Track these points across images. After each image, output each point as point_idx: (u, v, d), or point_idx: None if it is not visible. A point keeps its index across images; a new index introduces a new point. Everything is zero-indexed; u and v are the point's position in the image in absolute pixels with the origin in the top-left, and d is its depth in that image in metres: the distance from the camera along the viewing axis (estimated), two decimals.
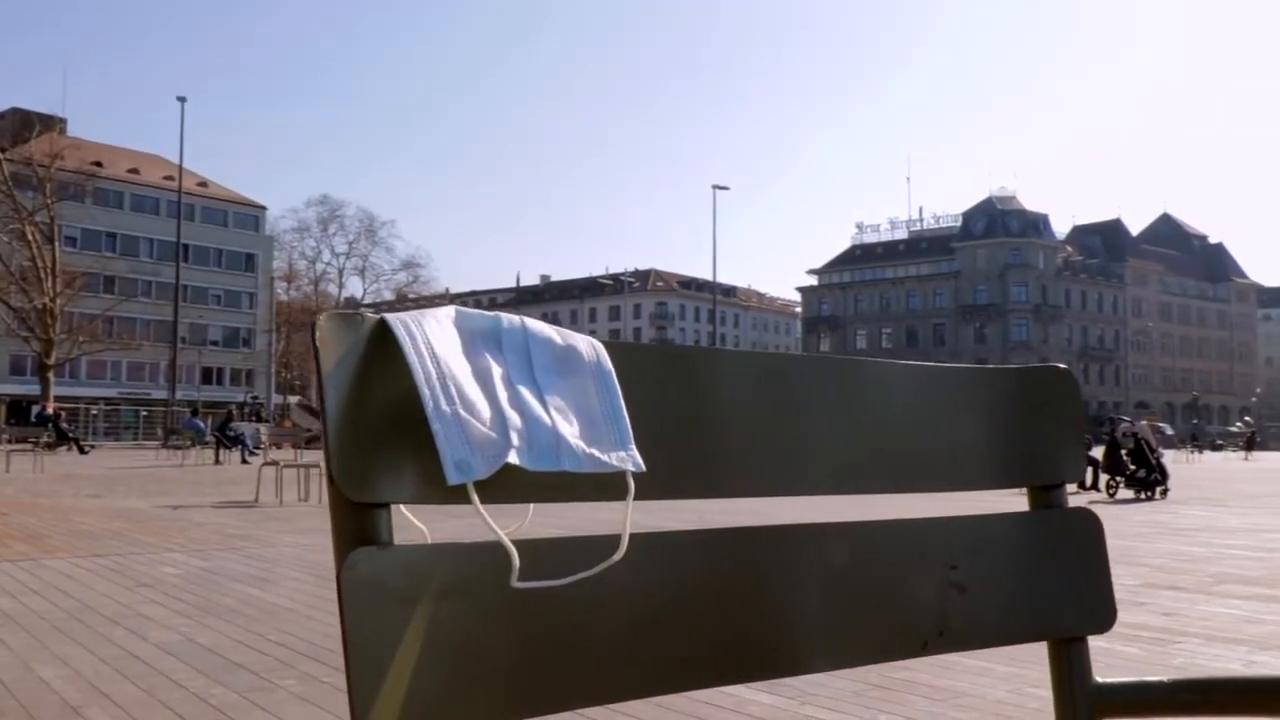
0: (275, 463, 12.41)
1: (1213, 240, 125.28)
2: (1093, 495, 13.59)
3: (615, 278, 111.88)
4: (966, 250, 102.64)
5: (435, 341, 0.54)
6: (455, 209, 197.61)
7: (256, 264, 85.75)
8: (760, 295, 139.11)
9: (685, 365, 0.64)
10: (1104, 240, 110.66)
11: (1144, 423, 16.45)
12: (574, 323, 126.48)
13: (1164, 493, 14.50)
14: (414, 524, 0.58)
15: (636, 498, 0.56)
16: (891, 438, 0.73)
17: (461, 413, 0.52)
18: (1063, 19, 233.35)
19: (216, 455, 24.72)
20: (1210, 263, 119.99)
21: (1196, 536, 9.39)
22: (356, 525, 0.51)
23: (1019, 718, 3.34)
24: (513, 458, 0.52)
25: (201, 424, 29.92)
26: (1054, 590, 0.76)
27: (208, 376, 77.38)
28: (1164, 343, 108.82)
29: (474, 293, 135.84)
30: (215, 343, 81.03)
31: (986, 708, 3.43)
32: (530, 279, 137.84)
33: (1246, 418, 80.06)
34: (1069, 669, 0.76)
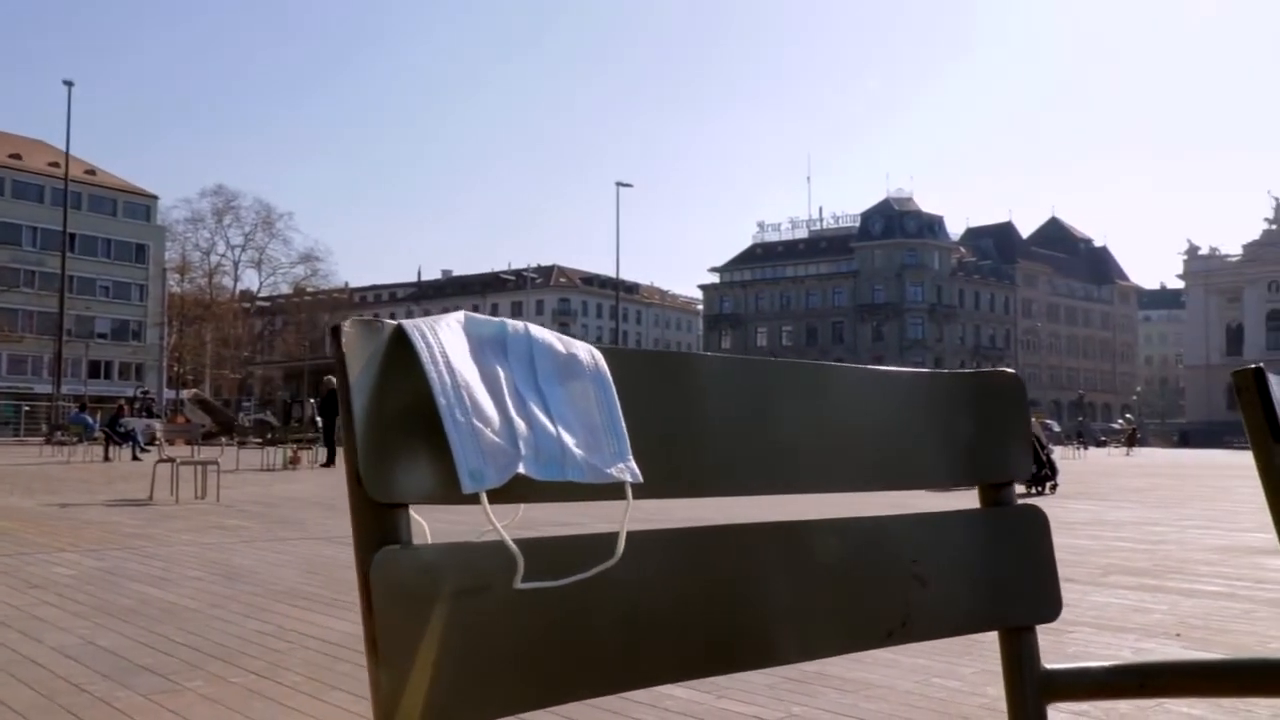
0: (171, 460, 12.06)
1: (1098, 244, 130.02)
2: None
3: (518, 273, 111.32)
4: (865, 250, 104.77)
5: (449, 349, 0.55)
6: (356, 202, 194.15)
7: (147, 255, 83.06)
8: (662, 292, 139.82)
9: (672, 370, 0.66)
10: (996, 242, 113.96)
11: (1034, 420, 17.01)
12: None
13: (1053, 488, 15.01)
14: (416, 521, 0.59)
15: (618, 499, 0.59)
16: (857, 439, 0.77)
17: (475, 422, 0.53)
18: (958, 26, 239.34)
19: (106, 452, 23.91)
20: (1095, 265, 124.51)
21: (1085, 530, 9.75)
22: (380, 525, 0.52)
23: (926, 706, 3.45)
24: (521, 468, 0.54)
25: (90, 419, 28.87)
26: (1005, 582, 0.81)
27: (95, 370, 74.69)
28: (1051, 342, 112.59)
29: (374, 287, 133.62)
30: (103, 335, 78.28)
31: (895, 698, 3.53)
32: (432, 274, 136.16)
33: (1128, 415, 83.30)
34: (1019, 656, 0.81)
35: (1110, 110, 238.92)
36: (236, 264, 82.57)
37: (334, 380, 11.58)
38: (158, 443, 15.17)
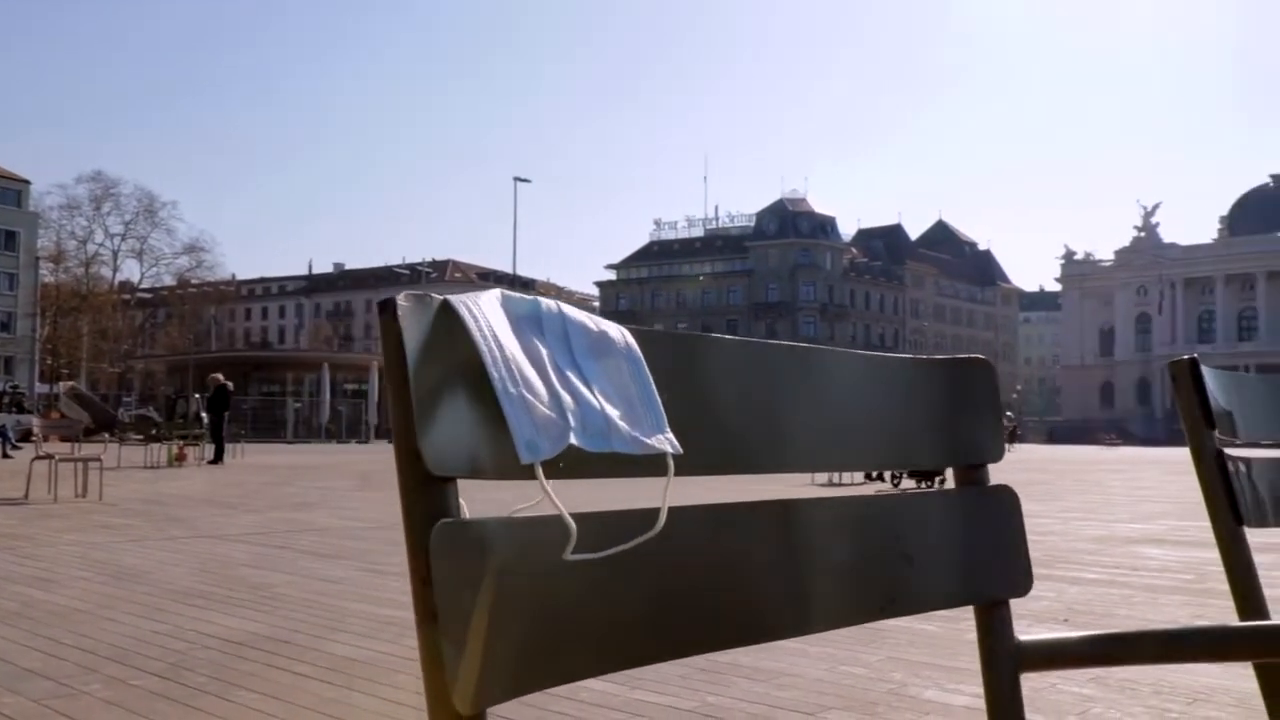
0: (49, 456, 11.57)
1: (982, 247, 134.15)
2: (879, 485, 14.35)
3: (412, 268, 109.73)
4: (759, 250, 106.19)
5: (495, 324, 0.56)
6: (244, 192, 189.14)
7: (18, 243, 79.38)
8: (559, 289, 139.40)
9: (690, 351, 0.68)
10: (886, 243, 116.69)
11: None
12: (369, 312, 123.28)
13: (941, 482, 15.45)
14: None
15: (658, 475, 0.60)
16: (851, 422, 0.79)
17: (526, 394, 0.54)
18: (850, 29, 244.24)
19: None
20: (979, 268, 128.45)
21: None
22: (435, 498, 0.52)
23: (835, 693, 3.53)
24: (572, 439, 0.55)
25: None
26: (981, 559, 0.85)
27: None
28: (938, 341, 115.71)
29: (263, 279, 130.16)
30: None
31: (806, 686, 3.61)
32: (323, 267, 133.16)
33: (1009, 413, 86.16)
34: (994, 629, 0.84)
35: (995, 117, 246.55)
36: (116, 254, 79.46)
37: (221, 376, 11.33)
38: (34, 439, 14.52)
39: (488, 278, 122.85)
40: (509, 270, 66.86)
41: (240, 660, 3.88)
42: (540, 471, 0.53)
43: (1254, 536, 1.13)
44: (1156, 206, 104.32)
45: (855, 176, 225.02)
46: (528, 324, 0.58)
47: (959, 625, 4.65)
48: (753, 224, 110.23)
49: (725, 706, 3.34)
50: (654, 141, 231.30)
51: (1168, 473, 23.62)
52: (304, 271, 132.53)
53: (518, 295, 0.59)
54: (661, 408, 0.60)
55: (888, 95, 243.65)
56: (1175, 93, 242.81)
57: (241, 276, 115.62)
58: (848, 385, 0.79)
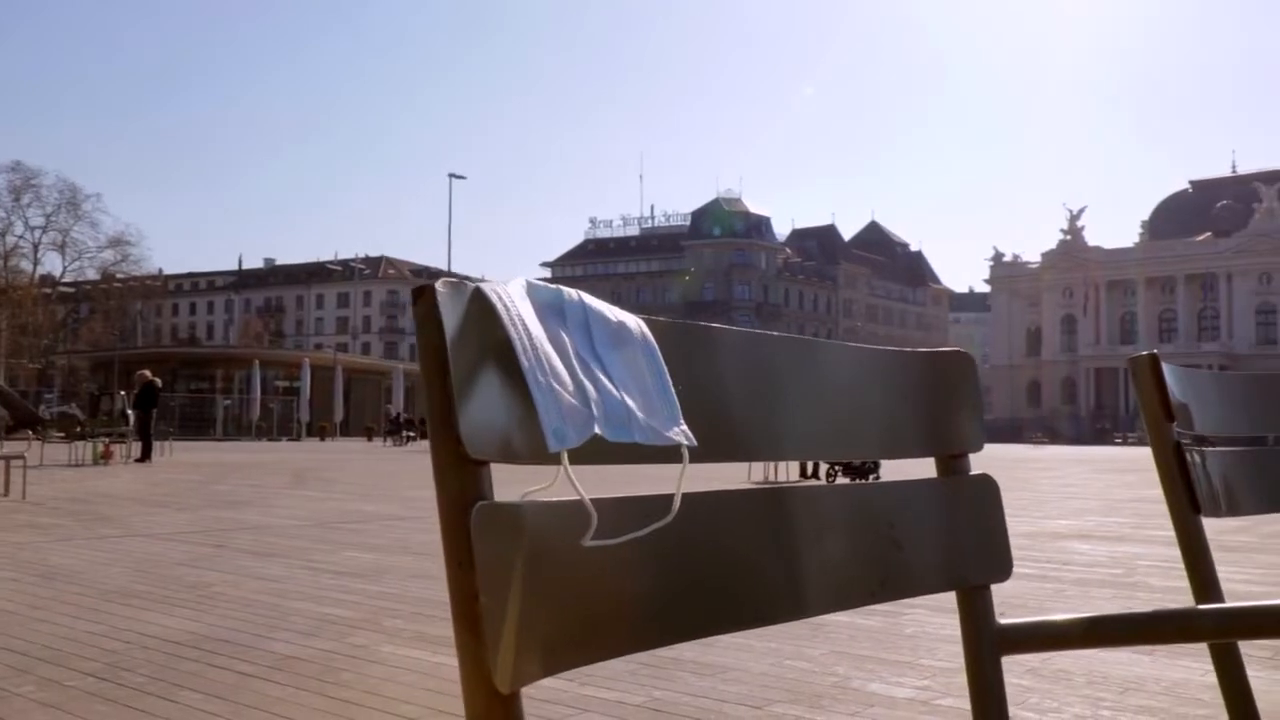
0: None
1: (913, 248, 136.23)
2: (813, 482, 14.52)
3: (345, 264, 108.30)
4: (695, 249, 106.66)
5: (523, 312, 0.57)
6: (171, 185, 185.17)
7: None
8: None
9: (700, 341, 0.70)
10: (820, 244, 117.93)
11: None
12: (300, 308, 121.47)
13: (875, 478, 15.69)
14: None
15: (672, 462, 0.62)
16: (843, 412, 0.81)
17: (553, 384, 0.55)
18: (788, 33, 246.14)
19: None
20: (911, 269, 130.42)
21: None
22: (473, 481, 0.53)
23: (780, 686, 3.57)
24: (596, 429, 0.56)
25: None
26: (964, 545, 0.88)
27: None
28: (870, 341, 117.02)
29: (191, 274, 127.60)
30: None
31: (751, 680, 3.65)
32: (253, 262, 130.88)
33: None
34: (976, 613, 0.87)
35: (927, 121, 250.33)
36: (37, 246, 77.17)
37: (148, 373, 11.09)
38: None
39: (421, 274, 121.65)
40: (444, 267, 66.36)
41: (180, 660, 3.82)
42: (565, 458, 0.55)
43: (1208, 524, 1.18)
44: (1082, 210, 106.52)
45: (790, 177, 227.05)
46: (551, 312, 0.59)
47: (899, 620, 4.73)
48: (688, 223, 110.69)
49: (673, 701, 3.37)
50: (590, 139, 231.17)
51: (1094, 471, 24.21)
52: (233, 267, 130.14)
53: (541, 284, 0.61)
54: (676, 400, 0.62)
55: (823, 97, 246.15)
56: (1101, 100, 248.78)
57: (169, 271, 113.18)
58: (841, 377, 0.82)
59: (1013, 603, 5.46)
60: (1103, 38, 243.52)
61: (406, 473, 19.16)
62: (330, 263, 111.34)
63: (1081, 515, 11.39)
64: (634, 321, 0.63)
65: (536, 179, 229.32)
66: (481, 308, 0.55)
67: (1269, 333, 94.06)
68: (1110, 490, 16.37)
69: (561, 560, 0.56)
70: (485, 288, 0.57)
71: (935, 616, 4.81)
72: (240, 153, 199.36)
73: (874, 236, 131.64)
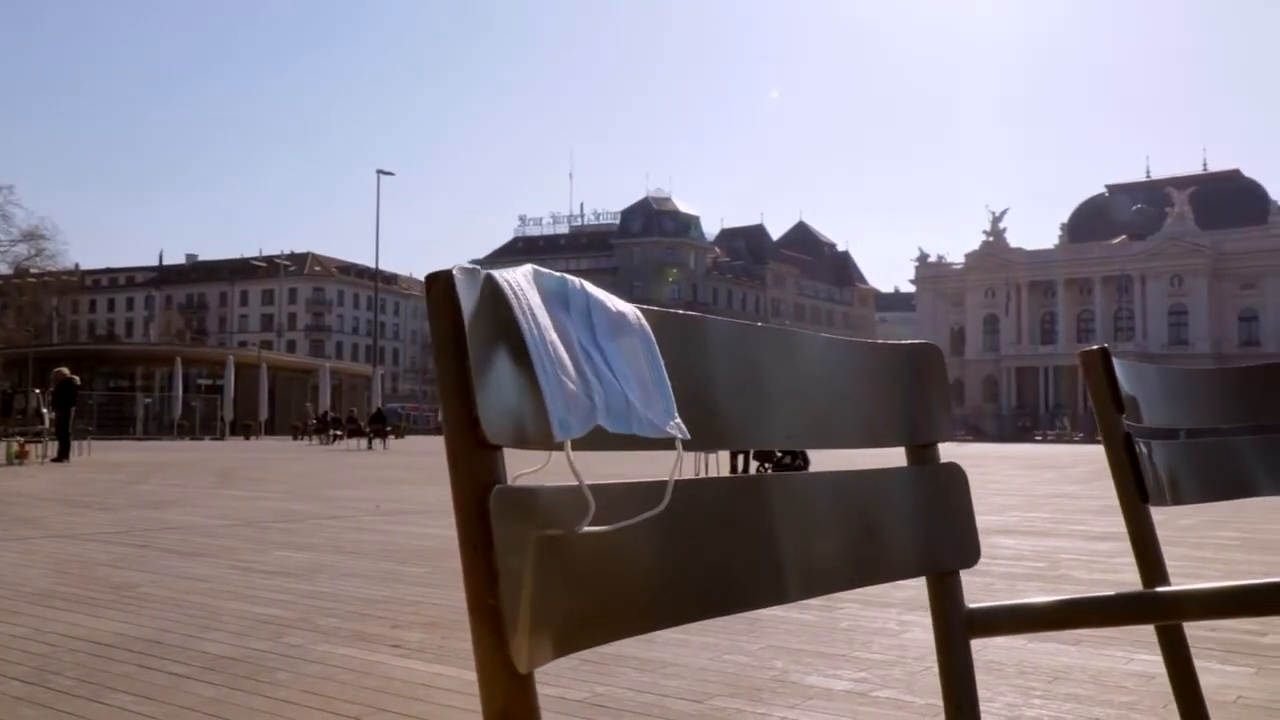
0: None
1: (840, 249, 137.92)
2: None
3: (270, 260, 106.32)
4: (624, 247, 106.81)
5: (531, 301, 0.58)
6: (88, 178, 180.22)
7: None
8: (422, 284, 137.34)
9: (689, 332, 0.71)
10: (748, 244, 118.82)
11: None
12: (223, 305, 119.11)
13: (803, 465, 15.84)
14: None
15: (665, 451, 0.63)
16: (819, 402, 0.83)
17: (559, 374, 0.56)
18: (716, 35, 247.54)
19: None
20: (838, 269, 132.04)
21: None
22: (489, 466, 0.54)
23: (720, 680, 3.60)
24: (598, 419, 0.57)
25: None
26: (934, 532, 0.90)
27: None
28: None
29: (110, 270, 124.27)
30: None
31: (691, 674, 3.67)
32: (175, 258, 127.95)
33: None
34: (946, 597, 0.90)
35: (854, 122, 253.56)
36: None
37: (66, 370, 10.83)
38: None
39: (349, 271, 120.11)
40: (371, 264, 65.49)
41: (110, 662, 3.73)
42: (568, 447, 0.56)
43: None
44: (1004, 213, 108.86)
45: (719, 177, 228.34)
46: (556, 301, 0.60)
47: (833, 614, 4.79)
48: (618, 221, 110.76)
49: (615, 696, 3.38)
50: (520, 137, 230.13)
51: (1016, 467, 24.73)
52: (154, 262, 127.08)
53: (547, 271, 0.61)
54: (671, 392, 0.63)
55: (752, 97, 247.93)
56: (1023, 104, 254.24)
57: (86, 267, 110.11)
58: (820, 369, 0.83)
59: None
60: (1026, 42, 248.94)
61: (335, 472, 18.90)
62: (255, 259, 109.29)
63: (1005, 511, 11.65)
64: (632, 311, 0.64)
65: (466, 176, 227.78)
66: (493, 294, 0.56)
67: (1180, 333, 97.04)
68: (1032, 487, 16.75)
69: (573, 544, 0.57)
70: (496, 275, 0.57)
71: (868, 610, 4.89)
72: (161, 147, 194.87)
73: (802, 237, 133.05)
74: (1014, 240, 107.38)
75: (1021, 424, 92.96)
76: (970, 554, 0.94)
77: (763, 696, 3.41)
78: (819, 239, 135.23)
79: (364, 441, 36.09)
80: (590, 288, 0.63)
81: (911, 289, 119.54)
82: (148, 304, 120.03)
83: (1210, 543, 8.10)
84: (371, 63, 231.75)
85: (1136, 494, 1.16)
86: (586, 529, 0.57)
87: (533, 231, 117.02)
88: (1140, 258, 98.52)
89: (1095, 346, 1.17)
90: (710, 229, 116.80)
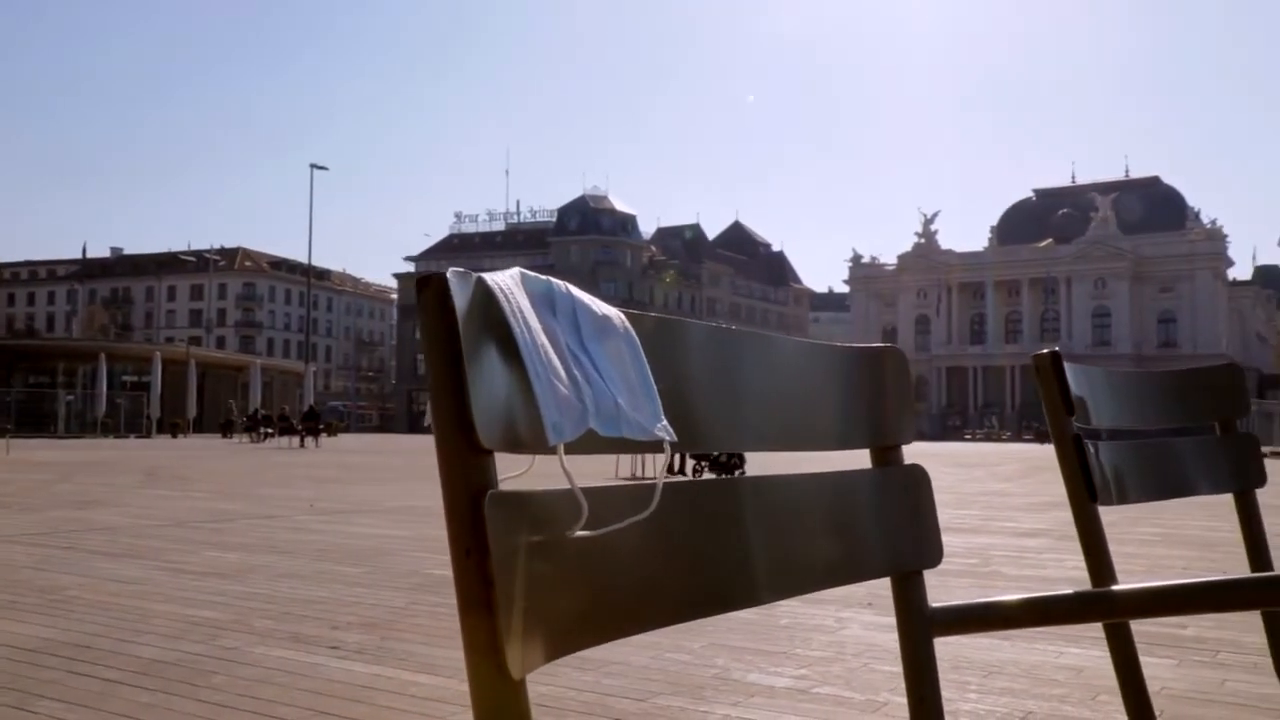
0: None
1: (775, 249, 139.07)
2: (679, 477, 14.71)
3: (199, 254, 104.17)
4: (560, 245, 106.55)
5: (522, 305, 0.57)
6: (7, 168, 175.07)
7: None
8: (356, 280, 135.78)
9: (670, 334, 0.71)
10: (684, 242, 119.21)
11: None
12: (150, 300, 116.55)
13: (741, 474, 15.98)
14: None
15: (652, 453, 0.63)
16: (792, 404, 0.84)
17: (550, 377, 0.56)
18: (651, 33, 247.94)
19: None
20: (772, 269, 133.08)
21: None
22: (482, 470, 0.53)
23: (663, 679, 3.61)
24: (590, 423, 0.57)
25: None
26: (898, 533, 0.91)
27: None
28: None
29: (30, 263, 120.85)
30: None
31: (634, 673, 3.68)
32: (99, 251, 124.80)
33: None
34: (910, 597, 0.91)
35: (790, 124, 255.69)
36: None
37: None
38: None
39: (280, 267, 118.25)
40: (303, 259, 64.58)
41: (37, 668, 3.63)
42: (561, 451, 0.56)
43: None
44: (936, 215, 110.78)
45: (656, 177, 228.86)
46: (543, 304, 0.60)
47: (773, 611, 4.83)
48: (554, 219, 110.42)
49: (557, 695, 3.37)
50: (456, 133, 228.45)
51: (944, 465, 25.14)
52: (77, 255, 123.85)
53: (533, 274, 0.61)
54: (656, 394, 0.63)
55: (689, 98, 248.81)
56: (955, 109, 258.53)
57: (4, 259, 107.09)
58: (793, 371, 0.84)
59: (878, 594, 5.64)
60: (957, 48, 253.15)
61: (267, 470, 18.60)
62: (183, 253, 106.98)
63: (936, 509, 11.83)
64: (616, 314, 0.64)
65: (400, 172, 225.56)
66: (485, 297, 0.56)
67: (1103, 334, 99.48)
68: (961, 485, 17.04)
69: (565, 547, 0.57)
70: (487, 278, 0.57)
71: (807, 608, 4.94)
72: (87, 135, 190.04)
73: (737, 236, 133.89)
74: (945, 242, 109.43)
75: (951, 423, 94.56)
76: (934, 554, 0.95)
77: (705, 695, 3.43)
78: (754, 239, 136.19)
79: (296, 440, 35.55)
80: (575, 291, 0.63)
81: (845, 289, 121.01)
82: (70, 298, 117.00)
83: (1132, 538, 8.32)
84: (304, 55, 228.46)
85: (1085, 493, 1.19)
86: (579, 533, 0.57)
87: (468, 228, 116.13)
88: (1066, 260, 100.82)
89: (1046, 350, 1.21)
90: (647, 228, 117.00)
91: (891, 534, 0.91)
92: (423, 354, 0.54)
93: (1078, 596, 0.90)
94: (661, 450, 0.62)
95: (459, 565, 0.52)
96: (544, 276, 0.62)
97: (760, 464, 16.11)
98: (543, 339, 0.57)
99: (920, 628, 0.90)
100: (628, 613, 0.63)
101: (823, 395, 0.88)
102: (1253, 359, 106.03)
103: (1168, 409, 1.45)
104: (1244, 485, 1.48)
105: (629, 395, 0.61)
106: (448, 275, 0.54)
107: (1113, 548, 1.21)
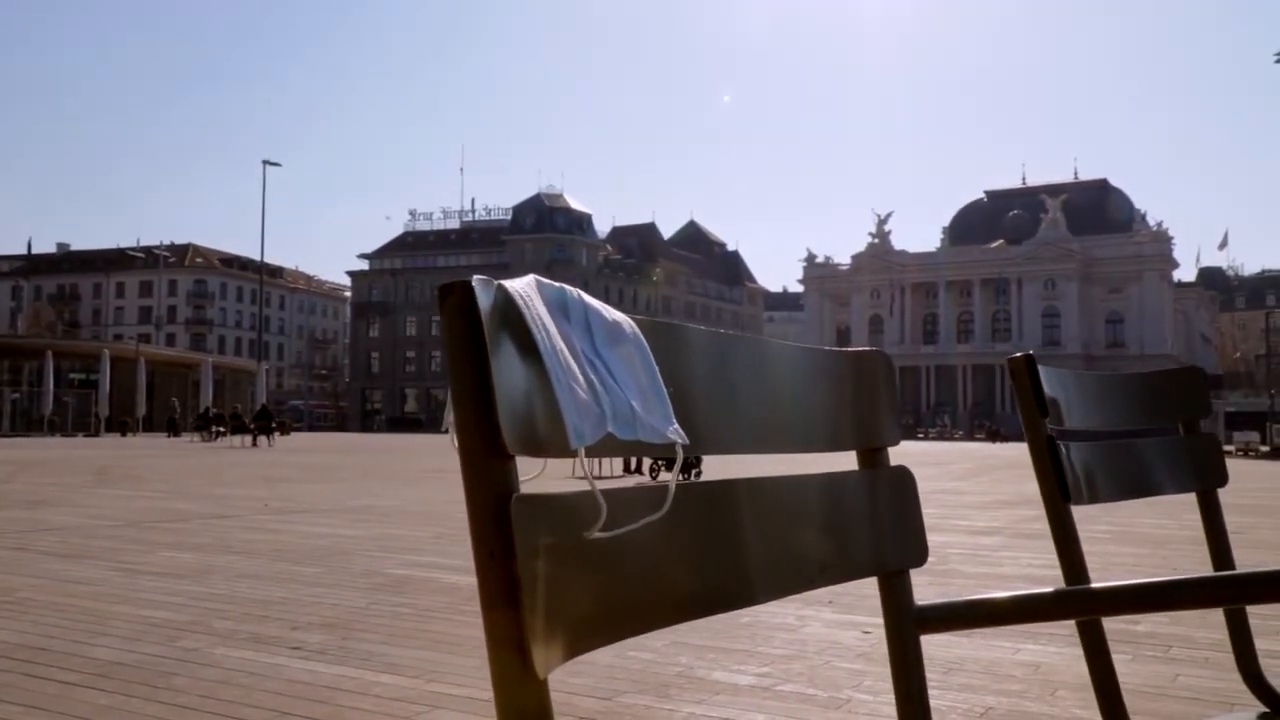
0: None
1: (730, 248, 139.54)
2: (638, 477, 14.73)
3: (148, 250, 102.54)
4: (515, 243, 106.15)
5: (540, 312, 0.58)
6: None
7: None
8: (309, 278, 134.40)
9: (672, 339, 0.72)
10: (640, 241, 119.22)
11: None
12: (98, 297, 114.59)
13: (698, 475, 16.01)
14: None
15: (665, 456, 0.65)
16: (787, 407, 0.86)
17: (570, 382, 0.57)
18: (607, 33, 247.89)
19: None
20: (727, 268, 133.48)
21: None
22: (506, 474, 0.54)
23: (626, 677, 3.63)
24: (608, 426, 0.58)
25: None
26: (886, 533, 0.93)
27: None
28: None
29: None
30: None
31: (598, 672, 3.69)
32: (44, 246, 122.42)
33: None
34: (897, 596, 0.93)
35: (745, 124, 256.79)
36: None
37: None
38: None
39: (232, 264, 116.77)
40: (255, 256, 63.84)
41: None
42: (583, 454, 0.57)
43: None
44: (889, 215, 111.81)
45: (612, 175, 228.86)
46: (558, 310, 0.61)
47: (734, 610, 4.87)
48: (509, 218, 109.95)
49: None
50: (410, 130, 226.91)
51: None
52: (21, 250, 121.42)
53: (547, 281, 0.62)
54: (667, 398, 0.65)
55: (645, 97, 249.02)
56: (909, 111, 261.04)
57: None
58: (786, 374, 0.86)
59: (837, 593, 5.70)
60: (912, 49, 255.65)
61: (220, 470, 18.38)
62: (132, 249, 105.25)
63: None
64: (626, 320, 0.66)
65: (354, 169, 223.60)
66: (506, 304, 0.57)
67: (1053, 334, 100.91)
68: None
69: (585, 548, 0.58)
70: (508, 285, 0.58)
71: (768, 605, 4.97)
72: (31, 129, 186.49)
73: (692, 235, 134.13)
74: (899, 243, 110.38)
75: (904, 422, 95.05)
76: (920, 553, 0.97)
77: (670, 693, 3.45)
78: (709, 238, 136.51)
79: (248, 439, 35.13)
80: (587, 297, 0.64)
81: (800, 289, 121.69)
82: (15, 294, 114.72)
83: (1084, 536, 8.44)
84: (257, 49, 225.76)
85: (1059, 493, 1.22)
86: (598, 534, 0.58)
87: (423, 226, 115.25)
88: (1017, 261, 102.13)
89: (1020, 354, 1.23)
90: (602, 227, 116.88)
91: (879, 534, 0.93)
92: (446, 360, 0.55)
93: (1061, 594, 0.92)
94: (672, 454, 0.64)
95: (483, 566, 0.53)
96: (557, 284, 0.63)
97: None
98: (561, 344, 0.58)
99: (907, 626, 0.92)
100: (642, 611, 0.64)
101: (815, 398, 0.90)
102: (1197, 359, 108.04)
103: (1134, 411, 1.49)
104: (1206, 485, 1.52)
105: (642, 399, 0.62)
106: (472, 282, 0.55)
107: (1095, 548, 1.24)
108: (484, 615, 0.54)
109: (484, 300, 0.55)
